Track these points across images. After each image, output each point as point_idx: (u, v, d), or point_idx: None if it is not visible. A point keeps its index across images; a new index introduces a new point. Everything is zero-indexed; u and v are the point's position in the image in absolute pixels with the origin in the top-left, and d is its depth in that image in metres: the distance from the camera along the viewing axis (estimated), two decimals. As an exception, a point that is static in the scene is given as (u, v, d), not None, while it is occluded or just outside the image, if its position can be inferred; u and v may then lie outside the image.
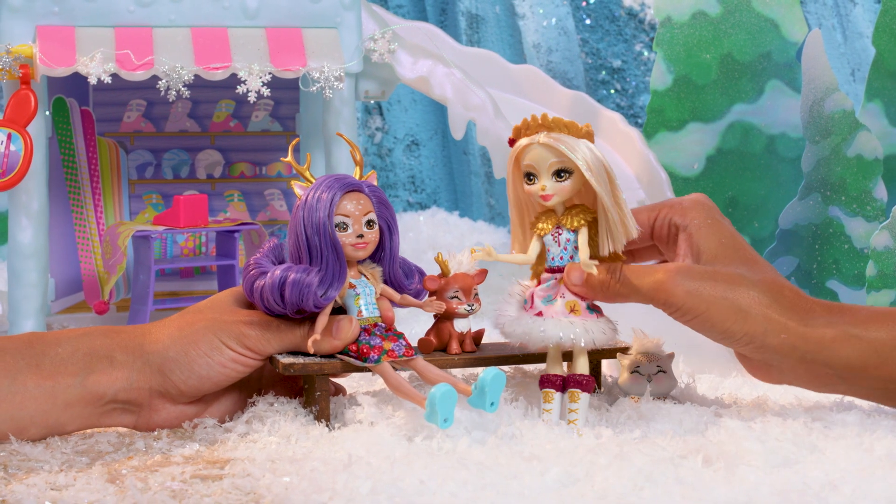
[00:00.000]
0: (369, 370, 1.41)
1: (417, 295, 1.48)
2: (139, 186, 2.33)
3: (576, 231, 1.42)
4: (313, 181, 1.42)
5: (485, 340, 1.54)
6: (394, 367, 1.40)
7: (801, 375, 1.45)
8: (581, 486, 1.19)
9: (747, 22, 2.55)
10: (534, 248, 1.44)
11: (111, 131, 2.31)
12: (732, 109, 2.57)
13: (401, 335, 1.43)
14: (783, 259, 2.47)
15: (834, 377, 1.44)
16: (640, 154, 2.37)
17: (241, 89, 1.94)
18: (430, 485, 1.17)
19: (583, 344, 1.39)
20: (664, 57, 2.58)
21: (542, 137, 1.40)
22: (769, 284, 1.43)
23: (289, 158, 1.45)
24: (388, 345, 1.41)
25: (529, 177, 1.42)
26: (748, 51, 2.56)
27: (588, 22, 3.22)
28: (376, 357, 1.39)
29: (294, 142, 1.54)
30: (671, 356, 1.53)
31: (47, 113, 2.06)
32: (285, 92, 2.31)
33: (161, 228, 2.05)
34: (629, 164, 2.40)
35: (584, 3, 3.21)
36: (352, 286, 1.42)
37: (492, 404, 1.35)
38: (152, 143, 2.34)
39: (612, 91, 3.21)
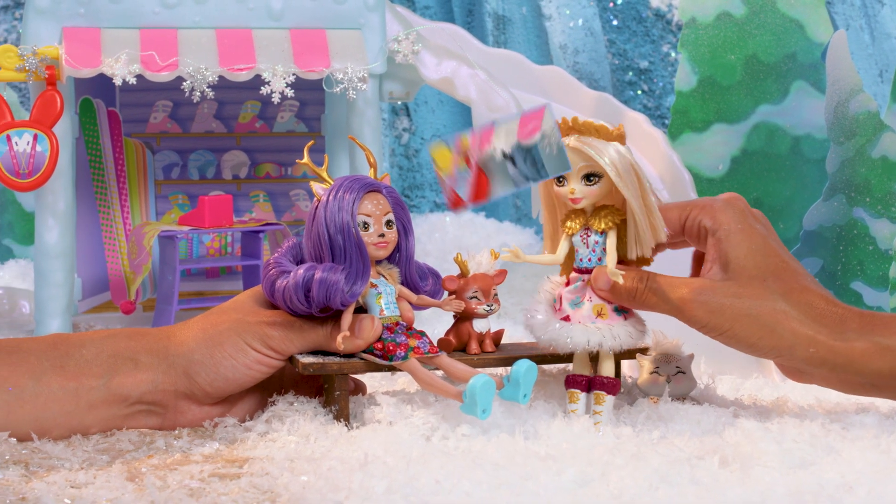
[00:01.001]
0: (393, 369, 1.42)
1: (432, 296, 1.49)
2: (165, 187, 2.34)
3: (604, 233, 1.42)
4: (331, 182, 1.42)
5: (505, 340, 1.54)
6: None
7: (832, 382, 1.45)
8: (596, 486, 1.19)
9: (772, 23, 2.54)
10: (562, 248, 1.44)
11: (138, 132, 2.33)
12: (757, 110, 2.57)
13: (423, 333, 1.44)
14: (807, 260, 2.47)
15: (866, 385, 1.43)
16: (663, 155, 2.37)
17: (264, 90, 1.95)
18: (445, 484, 1.18)
19: (609, 350, 1.40)
20: (689, 58, 2.58)
21: (571, 141, 1.40)
22: (798, 296, 1.42)
23: (305, 160, 1.46)
24: (413, 342, 1.41)
25: (559, 178, 1.42)
26: (773, 52, 2.55)
27: (615, 23, 3.22)
28: (403, 354, 1.40)
29: (309, 143, 1.54)
30: (691, 357, 1.53)
31: (74, 113, 2.08)
32: (311, 93, 2.32)
33: (186, 229, 2.06)
34: (653, 165, 2.40)
35: (611, 4, 3.20)
36: (373, 285, 1.43)
37: (525, 396, 1.36)
38: (178, 143, 2.35)
39: (639, 92, 3.21)
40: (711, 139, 2.58)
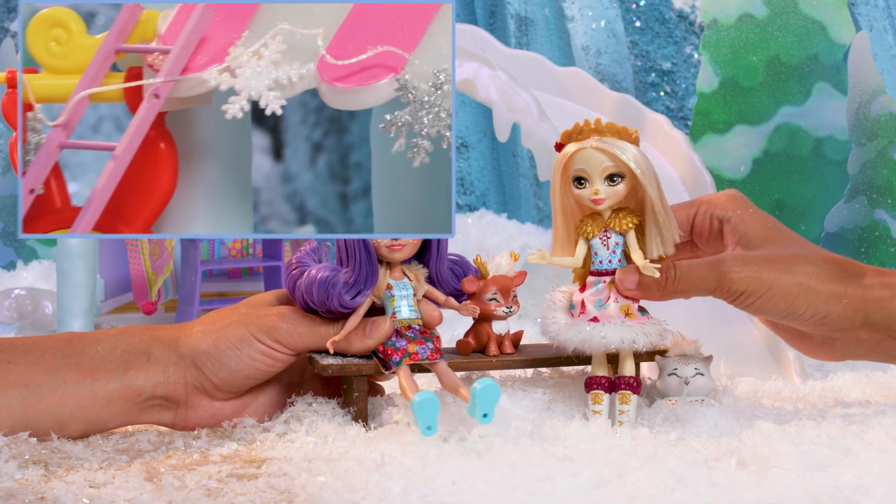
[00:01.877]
0: (393, 373, 1.41)
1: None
2: (187, 188, 2.35)
3: (624, 234, 1.43)
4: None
5: (524, 341, 1.54)
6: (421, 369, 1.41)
7: (863, 342, 1.47)
8: (612, 487, 1.19)
9: (794, 24, 2.54)
10: (580, 251, 1.44)
11: (160, 133, 2.33)
12: (779, 112, 2.56)
13: (431, 338, 1.42)
14: (829, 262, 2.46)
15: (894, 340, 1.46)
16: (684, 156, 2.37)
17: (285, 92, 1.96)
18: (461, 485, 1.18)
19: (643, 347, 1.41)
20: (711, 59, 2.58)
21: (594, 142, 1.40)
22: (823, 257, 1.46)
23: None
24: (412, 347, 1.39)
25: (580, 181, 1.42)
26: (795, 53, 2.55)
27: (638, 24, 3.22)
28: (398, 360, 1.39)
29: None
30: (709, 359, 1.53)
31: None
32: (332, 94, 2.32)
33: (207, 230, 2.06)
34: (674, 167, 2.40)
35: (633, 6, 3.20)
36: (389, 287, 1.42)
37: (484, 416, 1.32)
38: (201, 145, 2.36)
39: (662, 93, 3.21)
40: (733, 140, 2.58)
